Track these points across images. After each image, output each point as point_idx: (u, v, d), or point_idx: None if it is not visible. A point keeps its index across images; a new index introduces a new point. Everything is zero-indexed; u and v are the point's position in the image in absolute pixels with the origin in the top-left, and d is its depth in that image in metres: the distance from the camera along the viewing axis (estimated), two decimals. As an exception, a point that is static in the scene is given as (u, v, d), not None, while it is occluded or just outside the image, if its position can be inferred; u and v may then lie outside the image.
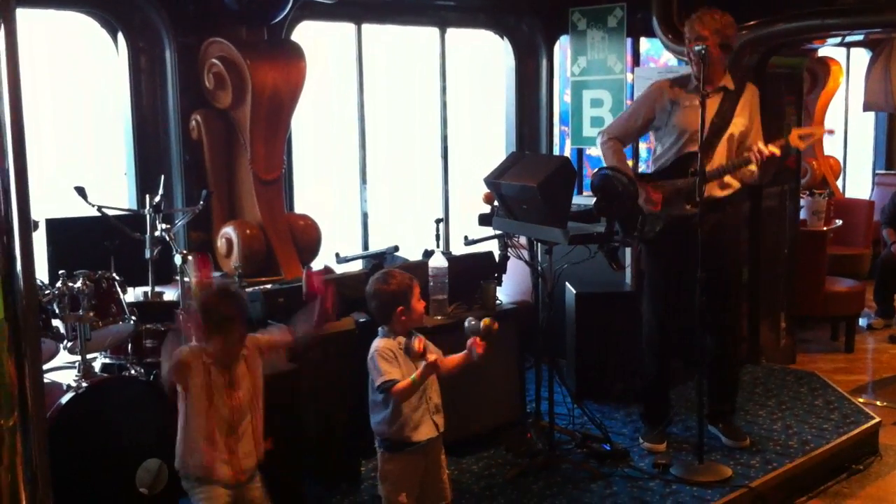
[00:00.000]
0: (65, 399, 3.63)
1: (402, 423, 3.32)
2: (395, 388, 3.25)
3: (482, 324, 3.33)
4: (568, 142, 6.96)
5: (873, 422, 5.06)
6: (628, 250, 5.56)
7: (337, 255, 5.19)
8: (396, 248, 4.91)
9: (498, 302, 5.02)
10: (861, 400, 5.56)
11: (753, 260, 6.15)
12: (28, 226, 1.67)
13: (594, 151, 6.83)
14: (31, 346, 1.69)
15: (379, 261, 4.79)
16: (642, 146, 6.36)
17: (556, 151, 7.18)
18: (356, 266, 5.32)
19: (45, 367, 4.01)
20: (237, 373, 3.15)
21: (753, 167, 4.41)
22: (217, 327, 3.05)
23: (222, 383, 3.10)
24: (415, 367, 3.31)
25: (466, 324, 3.38)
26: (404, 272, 3.46)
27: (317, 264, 5.56)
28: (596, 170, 4.66)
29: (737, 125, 4.55)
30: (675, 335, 4.73)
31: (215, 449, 3.08)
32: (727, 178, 4.56)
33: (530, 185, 4.21)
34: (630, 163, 6.04)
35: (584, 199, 5.94)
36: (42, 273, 4.14)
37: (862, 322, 7.64)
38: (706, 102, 4.24)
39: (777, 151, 4.31)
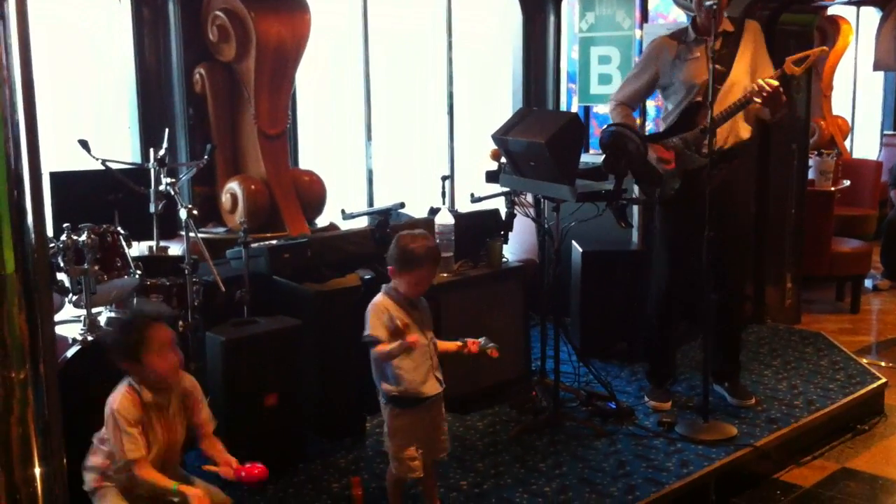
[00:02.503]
0: (70, 352, 3.62)
1: (408, 380, 3.32)
2: (377, 348, 3.27)
3: (487, 348, 3.42)
4: (575, 99, 6.88)
5: (879, 382, 5.06)
6: (636, 208, 5.53)
7: (342, 211, 5.16)
8: (402, 205, 4.88)
9: (504, 260, 4.99)
10: (866, 360, 5.55)
11: (760, 219, 6.11)
12: (38, 179, 1.65)
13: (601, 109, 6.76)
14: (42, 299, 1.67)
15: (384, 217, 4.76)
16: (650, 104, 6.29)
17: (564, 109, 7.11)
18: (361, 222, 5.29)
19: (50, 320, 4.00)
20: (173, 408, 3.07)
21: (759, 104, 4.34)
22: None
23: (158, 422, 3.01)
24: (416, 327, 3.33)
25: (484, 341, 3.44)
26: (430, 243, 3.41)
27: (323, 221, 5.55)
28: (604, 126, 4.61)
29: (739, 69, 4.48)
30: (683, 294, 4.71)
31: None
32: (740, 126, 4.51)
33: (538, 141, 4.17)
34: (637, 121, 5.98)
35: (591, 157, 5.90)
36: (47, 226, 4.10)
37: (868, 283, 7.63)
38: (715, 57, 4.19)
39: (774, 83, 4.23)
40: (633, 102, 4.79)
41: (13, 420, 1.63)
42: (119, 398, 2.95)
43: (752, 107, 4.43)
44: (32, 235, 1.64)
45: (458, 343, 3.43)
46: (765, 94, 4.22)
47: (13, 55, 1.59)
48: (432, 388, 3.36)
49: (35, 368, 1.65)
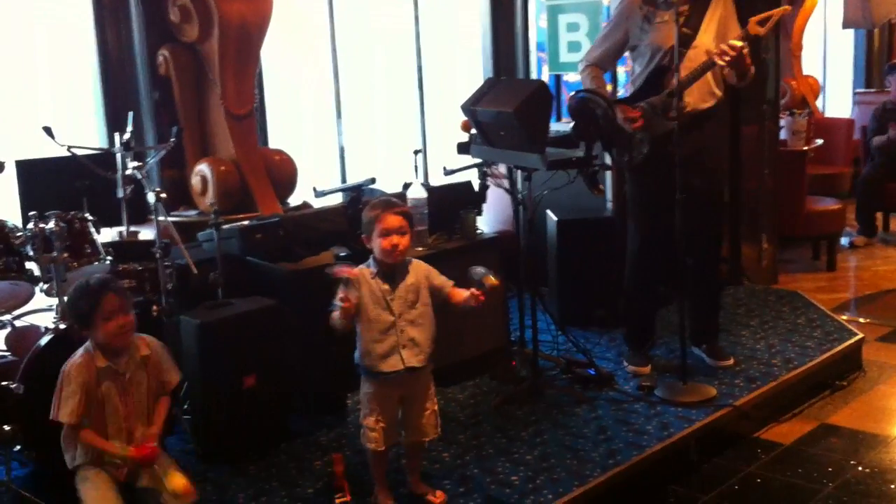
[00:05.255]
0: (43, 341, 3.59)
1: (366, 350, 3.34)
2: (331, 316, 3.26)
3: (486, 282, 3.33)
4: (545, 68, 6.86)
5: (857, 338, 5.09)
6: (609, 174, 5.53)
7: (314, 189, 5.13)
8: (373, 181, 4.85)
9: (478, 231, 4.98)
10: (844, 317, 5.59)
11: (734, 181, 6.13)
12: None
13: (572, 77, 6.74)
14: None
15: (357, 193, 4.74)
16: (620, 70, 6.27)
17: (534, 78, 7.08)
18: (334, 200, 5.27)
19: (23, 310, 3.97)
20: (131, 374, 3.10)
21: (725, 68, 4.33)
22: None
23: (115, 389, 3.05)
24: (383, 301, 3.31)
25: (475, 273, 3.37)
26: (392, 204, 3.39)
27: (295, 200, 5.51)
28: (573, 93, 4.59)
29: (706, 33, 4.46)
30: (658, 258, 4.71)
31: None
32: (708, 89, 4.49)
33: (507, 110, 4.15)
34: (609, 87, 5.97)
35: (562, 125, 5.88)
36: (14, 215, 4.06)
37: (843, 241, 7.68)
38: (682, 21, 4.18)
39: (738, 44, 4.20)
40: (603, 64, 4.76)
41: None
42: (71, 361, 3.02)
43: (719, 70, 4.42)
44: None
45: (467, 296, 3.36)
46: (727, 57, 4.20)
47: None
48: (393, 364, 3.32)
49: None
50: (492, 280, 3.34)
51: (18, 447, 3.57)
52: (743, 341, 5.12)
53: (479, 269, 3.37)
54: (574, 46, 6.52)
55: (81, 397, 2.98)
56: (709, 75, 4.40)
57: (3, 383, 3.51)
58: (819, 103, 10.24)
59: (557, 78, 6.91)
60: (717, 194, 4.82)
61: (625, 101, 4.61)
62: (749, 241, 6.39)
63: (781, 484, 3.85)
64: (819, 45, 10.51)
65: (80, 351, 3.06)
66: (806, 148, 7.35)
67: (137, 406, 3.09)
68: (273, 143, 5.80)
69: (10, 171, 4.09)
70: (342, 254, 4.49)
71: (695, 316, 4.77)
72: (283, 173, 5.42)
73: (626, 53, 4.78)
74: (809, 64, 10.19)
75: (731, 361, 4.75)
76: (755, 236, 6.41)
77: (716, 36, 4.45)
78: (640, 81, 4.61)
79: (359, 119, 6.44)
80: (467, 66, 7.15)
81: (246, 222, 4.54)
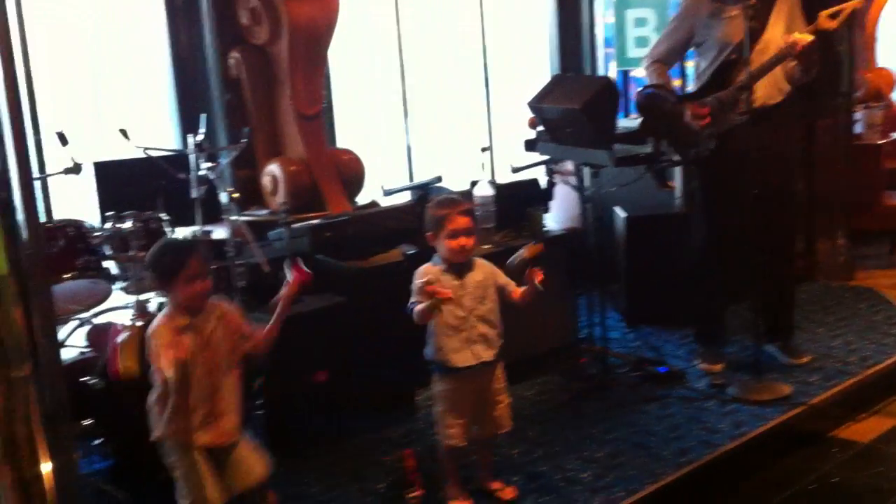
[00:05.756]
0: (120, 339, 3.67)
1: (438, 346, 3.36)
2: (416, 308, 3.27)
3: (523, 255, 3.32)
4: (612, 63, 6.81)
5: (935, 335, 4.96)
6: (677, 170, 5.46)
7: (382, 187, 5.17)
8: (439, 179, 4.88)
9: (546, 229, 4.97)
10: (922, 314, 5.45)
11: (808, 175, 6.01)
12: (28, 177, 1.66)
13: (640, 73, 6.67)
14: (39, 296, 1.68)
15: (424, 192, 4.76)
16: (689, 64, 6.20)
17: (601, 74, 7.03)
18: (402, 198, 5.29)
19: (100, 308, 4.06)
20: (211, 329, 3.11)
21: (793, 62, 4.26)
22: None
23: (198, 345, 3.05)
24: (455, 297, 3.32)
25: (510, 262, 3.38)
26: (458, 203, 3.40)
27: (363, 199, 5.56)
28: (640, 89, 4.55)
29: (774, 27, 4.38)
30: (729, 254, 4.65)
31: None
32: (777, 84, 4.42)
33: (574, 107, 4.14)
34: (678, 82, 5.90)
35: (630, 121, 5.83)
36: (93, 215, 4.16)
37: (922, 236, 7.46)
38: (751, 15, 4.12)
39: (808, 37, 4.12)
40: (668, 60, 4.71)
41: (17, 418, 1.65)
42: (155, 323, 3.03)
43: (787, 64, 4.34)
44: (25, 235, 1.65)
45: (526, 288, 3.35)
46: (797, 50, 4.13)
47: None
48: (465, 359, 3.34)
49: (36, 366, 1.67)
50: (529, 250, 3.32)
51: (98, 441, 3.66)
52: (818, 338, 5.02)
53: (514, 258, 3.37)
54: (641, 42, 6.46)
55: (173, 351, 2.96)
56: (777, 70, 4.33)
57: (83, 378, 3.59)
58: (895, 96, 9.97)
59: (625, 74, 6.84)
60: (789, 189, 4.73)
61: (691, 97, 4.56)
62: (824, 237, 6.27)
63: (858, 483, 3.77)
64: (895, 36, 10.22)
65: (160, 314, 3.08)
66: (882, 141, 7.18)
67: (219, 362, 3.09)
68: (341, 142, 5.86)
69: (88, 173, 4.19)
70: (409, 251, 4.52)
71: (769, 313, 4.69)
72: (351, 172, 5.47)
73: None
74: (885, 55, 9.92)
75: (807, 359, 4.67)
76: (830, 232, 6.28)
77: (784, 30, 4.38)
78: (706, 77, 4.55)
79: (426, 118, 6.46)
80: (534, 63, 7.12)
81: (315, 221, 4.59)
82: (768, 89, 4.38)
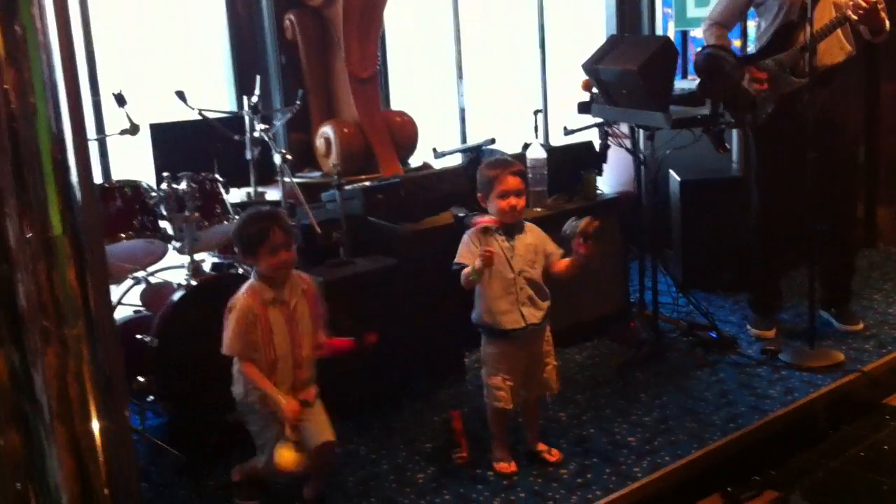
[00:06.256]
0: (176, 297, 3.76)
1: (487, 308, 3.37)
2: (463, 272, 3.29)
3: (579, 225, 3.30)
4: (671, 24, 6.69)
5: None
6: (735, 133, 5.37)
7: (434, 150, 5.17)
8: (493, 141, 4.86)
9: (599, 192, 4.93)
10: (984, 282, 5.32)
11: (870, 139, 5.88)
12: (83, 138, 1.68)
13: (698, 33, 6.56)
14: (95, 256, 1.72)
15: (476, 154, 4.76)
16: (751, 24, 6.07)
17: (659, 34, 6.91)
18: (454, 160, 5.29)
19: (156, 266, 4.15)
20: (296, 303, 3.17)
21: (855, 20, 4.14)
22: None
23: (283, 318, 3.11)
24: (505, 258, 3.33)
25: (565, 227, 3.36)
26: (509, 164, 3.40)
27: (416, 161, 5.57)
28: (699, 49, 4.48)
29: None
30: (786, 220, 4.58)
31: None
32: (838, 45, 4.31)
33: (630, 68, 4.09)
34: (737, 43, 5.79)
35: (689, 83, 5.74)
36: (149, 176, 4.24)
37: None
38: None
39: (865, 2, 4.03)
40: (727, 22, 4.62)
41: (70, 375, 1.68)
42: (238, 296, 3.10)
43: (860, 29, 4.23)
44: (79, 195, 1.68)
45: (571, 259, 3.36)
46: (861, 10, 4.01)
47: (48, 18, 1.62)
48: (514, 321, 3.35)
49: (89, 325, 1.70)
50: (584, 222, 3.29)
51: (152, 398, 3.76)
52: (875, 306, 4.94)
53: (571, 224, 3.34)
54: (701, 1, 6.34)
55: (249, 329, 3.06)
56: (839, 30, 4.22)
57: (139, 337, 3.68)
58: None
59: (684, 34, 6.72)
60: (850, 154, 4.64)
61: (752, 59, 4.47)
62: (885, 203, 6.14)
63: (911, 453, 3.73)
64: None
65: (245, 286, 3.13)
66: (949, 104, 6.96)
67: (304, 336, 3.17)
68: (395, 104, 5.86)
69: (145, 134, 4.25)
70: (461, 214, 4.52)
71: (827, 280, 4.63)
72: (404, 135, 5.48)
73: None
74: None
75: (861, 326, 4.60)
76: (892, 198, 6.14)
77: None
78: (766, 38, 4.46)
79: (479, 80, 6.43)
80: (590, 24, 7.03)
81: (368, 183, 4.61)
82: (827, 51, 4.28)
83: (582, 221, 3.31)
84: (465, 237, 3.38)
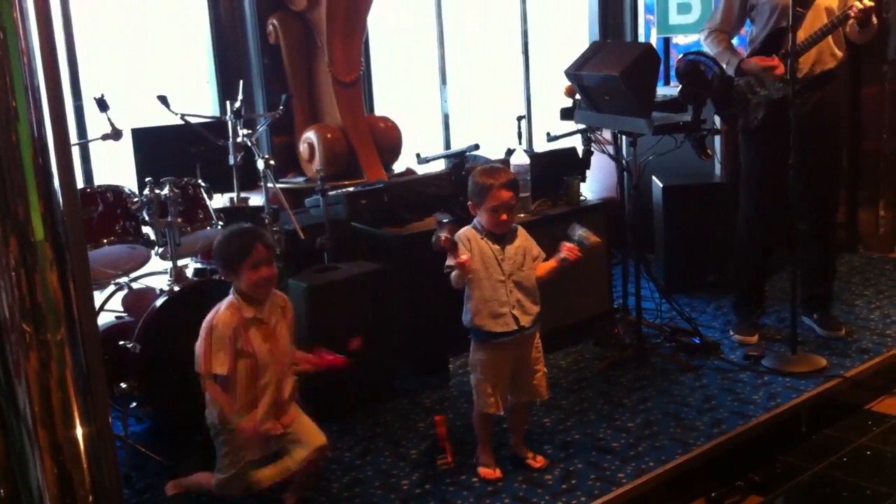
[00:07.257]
0: (159, 302, 3.74)
1: (477, 311, 3.36)
2: (452, 274, 3.30)
3: (588, 238, 3.34)
4: (654, 31, 6.72)
5: (978, 309, 4.88)
6: (718, 138, 5.40)
7: (418, 155, 5.17)
8: (476, 147, 4.86)
9: (582, 198, 4.95)
10: (965, 287, 5.36)
11: (852, 143, 5.92)
12: (65, 143, 1.67)
13: (681, 40, 6.59)
14: (76, 260, 1.70)
15: (460, 160, 4.76)
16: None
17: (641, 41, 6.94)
18: (438, 166, 5.30)
19: (139, 272, 4.12)
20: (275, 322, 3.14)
21: (852, 25, 4.18)
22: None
23: (261, 338, 3.08)
24: (495, 261, 3.32)
25: (577, 231, 3.38)
26: (504, 172, 3.40)
27: (399, 166, 5.56)
28: (681, 55, 4.50)
29: None
30: (772, 224, 4.60)
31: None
32: (830, 50, 4.34)
33: (612, 73, 4.10)
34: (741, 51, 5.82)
35: (671, 89, 5.76)
36: (131, 181, 4.21)
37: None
38: None
39: (868, 2, 4.06)
40: (727, 28, 4.62)
41: (53, 381, 1.66)
42: (217, 313, 3.05)
43: (847, 28, 4.27)
44: (62, 200, 1.67)
45: (554, 260, 3.38)
46: (860, 13, 4.05)
47: (29, 21, 1.60)
48: (503, 325, 3.34)
49: (71, 330, 1.68)
50: (593, 238, 3.34)
51: (135, 404, 3.73)
52: (857, 311, 4.97)
53: (579, 229, 3.38)
54: (684, 8, 6.37)
55: (230, 348, 3.01)
56: (830, 37, 4.26)
57: (121, 342, 3.66)
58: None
59: (666, 41, 6.75)
60: (835, 158, 4.66)
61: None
62: (866, 207, 6.19)
63: (892, 456, 3.74)
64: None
65: (225, 303, 3.09)
66: (929, 111, 7.02)
67: (283, 355, 3.13)
68: (379, 110, 5.86)
69: (127, 139, 4.23)
70: (445, 219, 4.51)
71: (807, 282, 4.64)
72: (388, 140, 5.48)
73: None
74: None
75: (843, 332, 4.62)
76: (873, 202, 6.19)
77: None
78: (758, 43, 4.48)
79: (463, 85, 6.44)
80: (573, 31, 7.05)
81: (352, 188, 4.61)
82: (820, 56, 4.31)
83: (592, 236, 3.36)
84: (457, 236, 3.36)
